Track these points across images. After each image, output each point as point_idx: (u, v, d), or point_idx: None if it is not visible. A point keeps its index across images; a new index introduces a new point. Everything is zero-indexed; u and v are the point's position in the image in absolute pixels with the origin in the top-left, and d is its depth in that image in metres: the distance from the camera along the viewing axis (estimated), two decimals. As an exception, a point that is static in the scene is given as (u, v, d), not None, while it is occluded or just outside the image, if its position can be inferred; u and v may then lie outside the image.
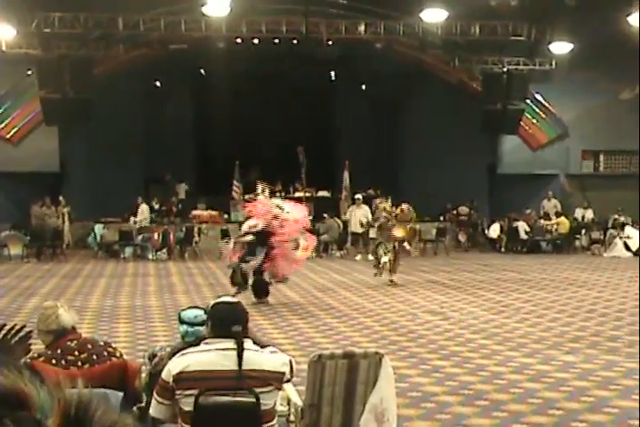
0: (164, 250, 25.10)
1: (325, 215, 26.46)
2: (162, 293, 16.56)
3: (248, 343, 4.47)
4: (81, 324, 5.65)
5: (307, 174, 28.19)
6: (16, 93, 27.36)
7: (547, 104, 29.76)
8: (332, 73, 33.33)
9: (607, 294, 16.21)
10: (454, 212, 29.27)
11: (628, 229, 26.24)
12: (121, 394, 4.80)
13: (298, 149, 27.78)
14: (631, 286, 17.14)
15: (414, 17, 25.66)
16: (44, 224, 25.54)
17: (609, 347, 10.53)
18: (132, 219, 26.70)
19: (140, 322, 12.69)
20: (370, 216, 24.07)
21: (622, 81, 29.19)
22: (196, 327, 5.56)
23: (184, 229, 25.89)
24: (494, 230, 27.64)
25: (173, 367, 4.38)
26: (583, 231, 28.32)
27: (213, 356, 4.38)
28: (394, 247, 17.83)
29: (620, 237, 26.18)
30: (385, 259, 17.89)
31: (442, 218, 29.61)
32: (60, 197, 26.88)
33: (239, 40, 27.10)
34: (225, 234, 22.45)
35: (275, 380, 4.42)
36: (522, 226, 27.19)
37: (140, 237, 25.59)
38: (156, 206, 28.34)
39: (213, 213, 27.33)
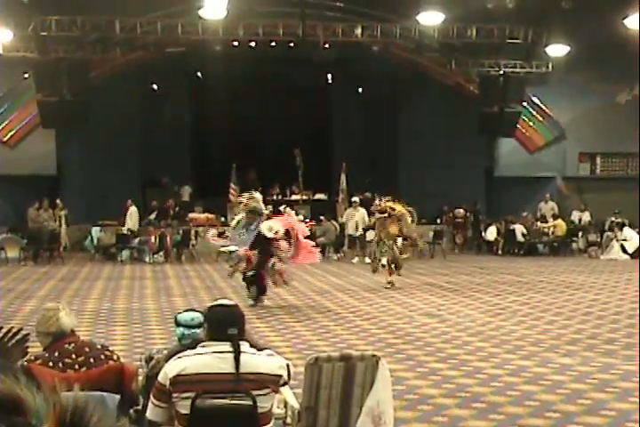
0: (161, 253, 25.10)
1: (322, 218, 26.47)
2: (159, 295, 16.55)
3: (245, 346, 4.47)
4: (78, 327, 5.63)
5: (304, 177, 28.20)
6: (13, 96, 27.35)
7: (543, 107, 29.79)
8: (329, 76, 33.32)
9: (604, 296, 16.22)
10: (450, 214, 29.29)
11: (627, 231, 26.26)
12: (118, 397, 4.80)
13: (295, 152, 27.80)
14: (628, 289, 17.17)
15: (411, 20, 25.66)
16: (41, 227, 25.53)
17: (606, 349, 10.54)
18: (126, 225, 26.58)
19: (136, 325, 12.69)
20: (367, 219, 24.12)
21: (619, 83, 29.24)
22: (193, 330, 5.57)
23: (181, 231, 25.90)
24: (491, 233, 27.66)
25: (170, 370, 4.39)
26: (580, 234, 28.34)
27: (210, 359, 4.38)
28: (391, 247, 17.82)
29: (617, 240, 26.22)
30: (384, 261, 17.91)
31: (439, 220, 29.62)
32: (58, 200, 26.86)
33: (236, 43, 27.09)
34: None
35: (271, 383, 4.42)
36: (519, 228, 27.21)
37: (136, 239, 25.60)
38: (155, 209, 28.27)
39: (210, 215, 27.31)
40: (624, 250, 25.93)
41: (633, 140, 28.55)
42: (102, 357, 5.15)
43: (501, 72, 28.36)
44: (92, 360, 5.08)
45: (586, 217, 29.37)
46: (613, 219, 27.48)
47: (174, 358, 4.51)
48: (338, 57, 28.58)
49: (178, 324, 5.74)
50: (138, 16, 25.44)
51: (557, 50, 27.25)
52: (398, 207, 18.00)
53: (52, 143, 27.97)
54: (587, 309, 14.41)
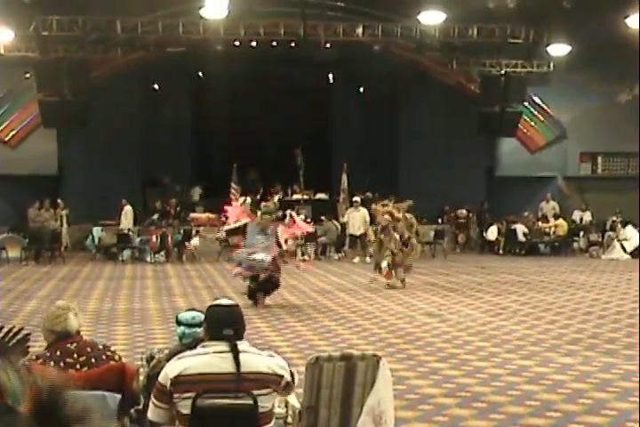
0: (162, 252, 25.10)
1: (323, 218, 26.48)
2: (160, 295, 16.56)
3: (245, 346, 4.47)
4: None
5: (305, 176, 28.18)
6: (14, 96, 27.35)
7: (544, 106, 29.77)
8: (330, 75, 33.29)
9: (605, 296, 16.22)
10: (453, 214, 29.29)
11: (629, 229, 26.23)
12: (119, 396, 4.80)
13: (296, 152, 27.77)
14: (629, 288, 17.17)
15: (412, 19, 25.65)
16: (42, 227, 25.53)
17: (607, 349, 10.54)
18: (122, 224, 26.55)
19: (138, 325, 12.70)
20: (368, 219, 24.15)
21: (620, 83, 29.22)
22: (194, 329, 5.57)
23: (182, 231, 25.90)
24: (492, 233, 27.65)
25: (170, 371, 4.38)
26: (581, 233, 28.32)
27: (210, 358, 4.38)
28: (392, 251, 17.82)
29: (619, 240, 26.21)
30: (384, 264, 17.91)
31: (440, 220, 29.63)
32: (59, 200, 26.87)
33: (237, 43, 27.07)
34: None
35: (272, 382, 4.42)
36: (520, 228, 27.20)
37: (138, 239, 25.61)
38: (158, 209, 28.27)
39: (211, 215, 27.29)
40: (624, 249, 25.93)
41: (634, 140, 28.51)
42: (104, 357, 5.15)
43: (502, 72, 28.34)
44: (93, 360, 5.08)
45: (587, 217, 29.36)
46: (615, 218, 27.47)
47: (174, 358, 4.51)
48: (339, 57, 28.56)
49: (179, 323, 5.75)
50: (139, 16, 25.43)
51: (558, 49, 27.24)
52: (394, 212, 18.01)
53: (53, 143, 27.96)
54: (588, 308, 14.41)
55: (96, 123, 26.52)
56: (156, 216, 27.47)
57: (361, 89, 33.86)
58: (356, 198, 25.83)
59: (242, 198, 16.04)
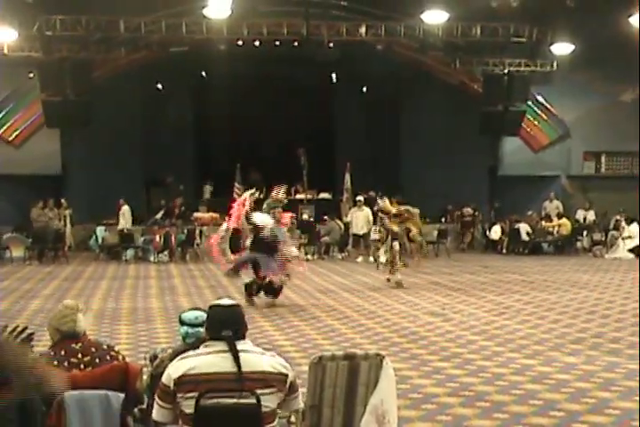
0: (166, 252, 25.13)
1: (326, 217, 26.50)
2: (163, 295, 16.57)
3: (247, 345, 4.46)
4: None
5: (308, 176, 28.20)
6: (18, 96, 27.37)
7: (548, 105, 29.76)
8: (333, 75, 33.30)
9: (609, 295, 16.21)
10: (459, 213, 29.30)
11: (633, 228, 26.20)
12: (122, 396, 4.81)
13: (299, 151, 27.79)
14: (633, 288, 17.14)
15: (415, 19, 25.65)
16: (45, 226, 25.56)
17: (610, 348, 10.53)
18: (119, 224, 26.55)
19: (141, 324, 12.71)
20: (371, 218, 24.15)
21: (624, 82, 29.20)
22: (197, 329, 5.57)
23: (185, 231, 25.92)
24: (495, 232, 27.65)
25: (173, 371, 4.39)
26: (585, 233, 28.30)
27: (213, 358, 4.38)
28: (391, 247, 17.84)
29: (623, 238, 26.19)
30: (382, 259, 17.95)
31: (443, 219, 29.63)
32: (62, 200, 26.89)
33: (240, 42, 27.07)
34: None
35: (277, 382, 4.42)
36: (523, 227, 27.19)
37: (141, 239, 25.63)
38: (163, 208, 28.26)
39: (215, 215, 27.29)
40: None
41: (637, 139, 28.51)
42: (108, 357, 5.16)
43: (506, 71, 28.33)
44: (97, 360, 5.09)
45: (590, 216, 29.33)
46: (618, 217, 27.45)
47: (177, 359, 4.51)
48: (341, 56, 28.54)
49: (182, 323, 5.75)
50: (142, 16, 25.45)
51: (562, 48, 27.22)
52: (386, 207, 18.09)
53: (56, 143, 27.99)
54: (591, 307, 14.41)
55: (99, 122, 26.56)
56: (159, 216, 27.48)
57: (364, 88, 33.87)
58: (360, 198, 25.83)
59: (248, 192, 15.92)
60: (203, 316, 5.43)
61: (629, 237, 26.11)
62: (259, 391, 4.33)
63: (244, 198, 15.34)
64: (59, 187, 28.22)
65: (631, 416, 7.32)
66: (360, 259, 24.34)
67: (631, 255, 25.48)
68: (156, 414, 4.47)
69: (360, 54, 28.98)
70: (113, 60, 27.62)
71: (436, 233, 27.08)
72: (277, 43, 27.13)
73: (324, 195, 30.35)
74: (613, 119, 29.33)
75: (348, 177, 28.62)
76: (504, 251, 27.22)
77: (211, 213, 27.69)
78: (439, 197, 29.36)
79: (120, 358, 5.24)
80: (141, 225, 26.96)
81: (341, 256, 25.92)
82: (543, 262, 23.86)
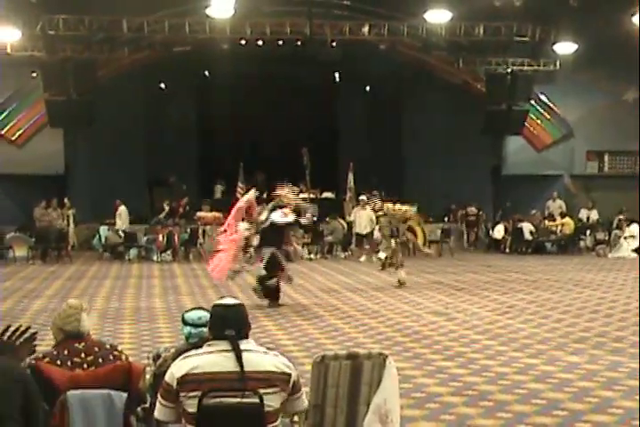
0: (169, 252, 25.13)
1: (329, 217, 26.50)
2: (166, 294, 16.58)
3: (250, 344, 4.46)
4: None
5: (311, 176, 28.19)
6: (21, 96, 27.39)
7: (551, 105, 29.74)
8: (336, 74, 33.33)
9: (612, 294, 16.21)
10: (463, 212, 29.29)
11: (633, 227, 26.20)
12: (125, 395, 4.81)
13: (302, 151, 27.78)
14: (636, 287, 17.10)
15: (418, 18, 25.63)
16: (49, 226, 25.58)
17: (613, 348, 10.53)
18: (116, 225, 26.57)
19: (144, 323, 12.72)
20: (374, 218, 24.13)
21: (626, 81, 29.16)
22: (200, 329, 5.58)
23: (189, 230, 25.93)
24: (499, 231, 27.64)
25: (177, 370, 4.39)
26: (588, 232, 28.27)
27: (216, 357, 4.38)
28: (389, 245, 17.90)
29: (625, 238, 26.17)
30: (381, 255, 18.00)
31: (446, 219, 29.63)
32: (66, 200, 26.92)
33: (243, 42, 27.08)
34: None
35: (280, 381, 4.42)
36: (526, 227, 27.17)
37: (144, 238, 25.64)
38: (166, 208, 28.25)
39: (217, 214, 27.26)
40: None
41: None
42: (111, 357, 5.15)
43: (509, 70, 28.32)
44: (100, 360, 5.09)
45: (593, 215, 29.31)
46: (621, 217, 27.44)
47: (180, 358, 4.52)
48: (345, 56, 28.56)
49: (185, 322, 5.75)
50: (145, 15, 25.47)
51: (565, 48, 27.20)
52: (377, 205, 18.19)
53: (59, 142, 27.99)
54: (594, 307, 14.40)
55: (102, 122, 26.58)
56: (162, 215, 27.48)
57: (367, 88, 33.88)
58: (363, 197, 25.81)
59: (250, 192, 15.92)
60: (206, 316, 5.43)
61: (631, 236, 26.10)
62: (261, 391, 4.34)
63: (250, 199, 15.36)
64: (62, 186, 28.23)
65: (634, 415, 7.31)
66: (363, 258, 24.33)
67: (634, 254, 25.46)
68: (159, 413, 4.48)
69: (363, 54, 28.99)
70: (116, 60, 27.64)
71: (439, 232, 27.08)
72: (280, 42, 27.14)
73: (326, 194, 30.36)
74: (616, 118, 29.32)
75: (350, 176, 28.63)
76: (507, 250, 27.20)
77: (214, 213, 27.65)
78: (442, 196, 29.39)
79: (123, 357, 5.24)
80: (144, 225, 26.96)
81: (344, 255, 25.93)
82: (546, 262, 23.85)
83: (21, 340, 4.80)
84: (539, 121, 29.91)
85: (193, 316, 5.72)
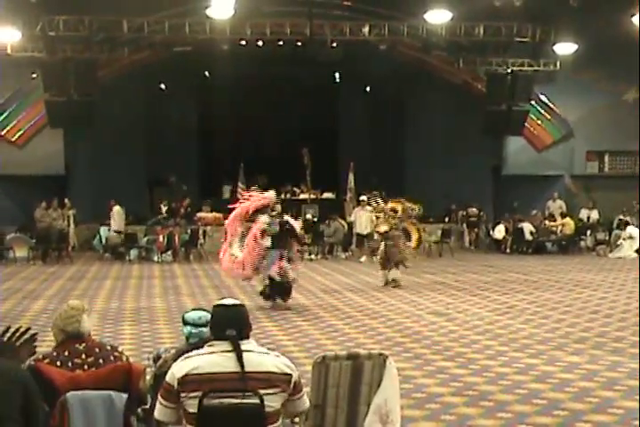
0: (169, 252, 25.12)
1: (330, 217, 26.50)
2: (167, 295, 16.58)
3: (251, 345, 4.46)
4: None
5: (311, 176, 28.20)
6: (21, 96, 27.40)
7: (551, 105, 29.74)
8: (337, 74, 33.35)
9: (612, 294, 16.21)
10: (464, 212, 29.30)
11: (630, 229, 26.22)
12: (125, 396, 4.81)
13: (302, 151, 27.80)
14: (636, 287, 17.10)
15: (418, 18, 25.63)
16: (49, 227, 25.58)
17: (614, 348, 10.54)
18: (111, 225, 26.57)
19: (145, 324, 12.72)
20: (375, 218, 24.13)
21: (627, 81, 29.20)
22: (200, 328, 5.59)
23: (189, 231, 25.93)
24: (499, 231, 27.63)
25: (178, 371, 4.39)
26: (588, 232, 28.28)
27: (216, 358, 4.38)
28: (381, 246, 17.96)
29: (625, 239, 26.18)
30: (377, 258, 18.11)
31: (447, 219, 29.63)
32: (66, 200, 26.92)
33: (243, 42, 27.07)
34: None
35: (281, 382, 4.41)
36: (527, 227, 27.17)
37: (145, 239, 25.65)
38: (164, 208, 28.26)
39: (218, 215, 27.30)
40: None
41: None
42: (112, 358, 5.15)
43: (509, 70, 28.31)
44: (101, 361, 5.08)
45: (594, 215, 29.32)
46: (621, 217, 27.45)
47: (181, 358, 4.51)
48: (345, 56, 28.55)
49: (185, 323, 5.76)
50: (145, 16, 25.46)
51: (565, 48, 27.21)
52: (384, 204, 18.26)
53: (59, 143, 27.99)
54: (595, 307, 14.40)
55: (102, 122, 26.58)
56: (161, 215, 27.48)
57: (367, 88, 33.89)
58: (363, 197, 25.81)
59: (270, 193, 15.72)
60: (206, 316, 5.44)
61: (630, 237, 26.09)
62: (262, 391, 4.33)
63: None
64: (62, 187, 28.24)
65: (634, 415, 7.31)
66: (364, 258, 24.32)
67: (635, 255, 25.45)
68: (159, 413, 4.47)
69: (363, 54, 28.99)
70: (116, 61, 27.65)
71: (439, 233, 27.08)
72: (280, 43, 27.13)
73: (327, 195, 30.39)
74: (616, 119, 29.34)
75: (351, 177, 28.66)
76: (508, 250, 27.21)
77: (214, 213, 27.69)
78: (442, 196, 29.38)
79: (124, 358, 5.24)
80: (145, 225, 26.95)
81: (345, 256, 25.94)
82: (547, 262, 23.86)
83: (21, 341, 4.80)
84: (539, 121, 29.92)
85: (193, 316, 5.73)
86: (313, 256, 25.24)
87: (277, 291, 14.80)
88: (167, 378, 4.42)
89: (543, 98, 29.58)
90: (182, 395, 4.34)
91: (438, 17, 24.94)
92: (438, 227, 27.52)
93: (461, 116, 29.69)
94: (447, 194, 29.39)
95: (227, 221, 15.42)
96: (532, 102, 29.06)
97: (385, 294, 16.35)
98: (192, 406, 4.33)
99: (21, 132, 27.57)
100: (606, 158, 30.95)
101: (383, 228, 18.07)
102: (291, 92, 31.85)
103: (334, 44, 27.39)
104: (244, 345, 4.42)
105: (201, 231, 25.96)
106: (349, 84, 33.48)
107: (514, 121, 28.49)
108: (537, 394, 8.10)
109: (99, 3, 24.75)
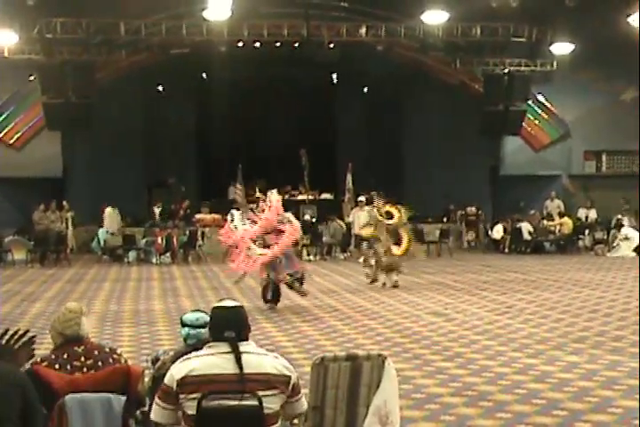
0: (168, 254, 25.11)
1: (328, 218, 26.50)
2: (166, 297, 16.58)
3: (250, 346, 4.46)
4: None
5: (309, 177, 28.21)
6: (19, 99, 27.40)
7: (548, 105, 29.76)
8: (334, 75, 33.36)
9: (611, 294, 16.21)
10: (463, 212, 29.31)
11: (625, 230, 26.24)
12: (124, 398, 4.81)
13: (300, 152, 27.81)
14: (635, 286, 17.10)
15: (415, 19, 25.64)
16: (47, 229, 25.56)
17: (613, 347, 10.53)
18: (106, 228, 26.58)
19: (143, 326, 12.71)
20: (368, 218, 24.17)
21: (624, 81, 29.21)
22: (198, 330, 5.58)
23: (187, 232, 25.91)
24: (497, 231, 27.64)
25: (176, 372, 4.38)
26: (586, 232, 28.30)
27: (215, 359, 4.38)
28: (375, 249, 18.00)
29: (621, 240, 26.18)
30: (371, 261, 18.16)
31: (445, 219, 29.64)
32: (64, 202, 26.91)
33: (240, 44, 27.07)
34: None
35: (280, 383, 4.41)
36: (525, 226, 27.18)
37: (143, 241, 25.63)
38: (156, 211, 28.24)
39: (216, 216, 27.29)
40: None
41: (638, 138, 28.50)
42: (110, 360, 5.15)
43: (506, 71, 28.34)
44: (99, 364, 5.09)
45: (592, 215, 29.33)
46: (620, 216, 27.45)
47: (180, 360, 4.51)
48: (342, 57, 28.55)
49: (183, 324, 5.76)
50: (142, 18, 25.47)
51: (562, 48, 27.23)
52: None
53: (57, 145, 28.00)
54: (594, 306, 14.40)
55: (100, 125, 26.58)
56: (157, 218, 27.48)
57: (364, 89, 33.90)
58: (361, 198, 25.80)
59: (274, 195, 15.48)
60: (204, 317, 5.45)
61: (626, 238, 26.10)
62: (261, 393, 4.34)
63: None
64: (60, 189, 28.24)
65: (634, 415, 7.31)
66: (362, 259, 24.30)
67: (633, 254, 25.46)
68: (155, 414, 4.46)
69: (360, 55, 29.00)
70: (113, 63, 27.66)
71: (437, 233, 27.08)
72: (278, 44, 27.15)
73: (325, 195, 30.39)
74: (614, 118, 29.36)
75: (349, 177, 28.65)
76: (506, 250, 27.21)
77: (212, 215, 27.69)
78: (441, 196, 29.40)
79: (122, 360, 5.24)
80: (143, 227, 26.95)
81: (343, 257, 25.93)
82: (545, 261, 23.86)
83: (20, 344, 4.80)
84: (536, 121, 29.94)
85: (191, 317, 5.73)
86: (311, 257, 25.23)
87: (277, 292, 14.86)
88: (166, 380, 4.42)
89: (540, 98, 29.60)
90: (181, 397, 4.34)
91: (435, 18, 24.96)
92: (437, 227, 27.54)
93: (459, 116, 29.71)
94: (445, 194, 29.40)
95: (263, 222, 14.85)
96: (530, 102, 29.10)
97: (384, 295, 16.34)
98: (191, 408, 4.33)
99: (19, 134, 27.58)
100: (604, 158, 30.96)
101: (366, 232, 18.12)
102: (288, 94, 31.87)
103: (331, 45, 27.40)
104: (243, 347, 4.42)
105: (199, 233, 25.94)
106: (347, 85, 33.49)
107: (511, 121, 28.50)
108: (536, 394, 8.09)
109: (96, 5, 24.73)
